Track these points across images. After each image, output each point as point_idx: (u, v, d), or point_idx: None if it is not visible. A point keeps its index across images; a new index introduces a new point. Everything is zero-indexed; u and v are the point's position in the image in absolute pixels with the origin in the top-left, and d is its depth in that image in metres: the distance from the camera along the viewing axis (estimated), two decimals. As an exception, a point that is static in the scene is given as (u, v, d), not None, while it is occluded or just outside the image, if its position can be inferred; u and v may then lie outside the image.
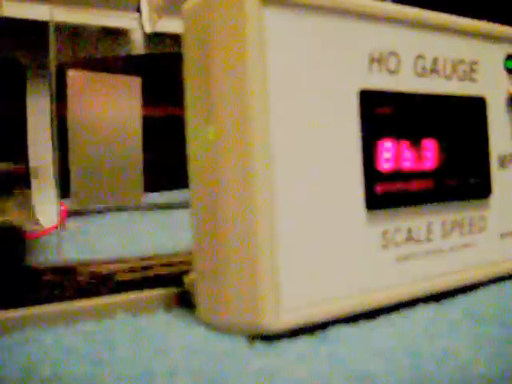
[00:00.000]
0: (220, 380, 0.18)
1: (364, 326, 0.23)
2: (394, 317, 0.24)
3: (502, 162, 0.30)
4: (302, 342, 0.22)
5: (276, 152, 0.22)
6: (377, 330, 0.23)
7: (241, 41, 0.22)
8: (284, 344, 0.21)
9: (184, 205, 0.29)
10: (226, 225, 0.22)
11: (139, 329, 0.23)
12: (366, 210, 0.25)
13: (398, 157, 0.26)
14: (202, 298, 0.24)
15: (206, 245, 0.23)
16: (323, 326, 0.23)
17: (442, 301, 0.26)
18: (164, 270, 0.29)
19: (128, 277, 0.29)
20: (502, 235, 0.30)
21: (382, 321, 0.24)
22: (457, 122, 0.28)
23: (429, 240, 0.27)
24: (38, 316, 0.23)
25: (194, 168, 0.24)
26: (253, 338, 0.22)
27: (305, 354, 0.21)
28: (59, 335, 0.22)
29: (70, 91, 0.48)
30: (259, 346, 0.21)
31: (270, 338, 0.22)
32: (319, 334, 0.22)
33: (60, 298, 0.25)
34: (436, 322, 0.24)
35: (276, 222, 0.22)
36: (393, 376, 0.19)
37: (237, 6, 0.22)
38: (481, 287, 0.28)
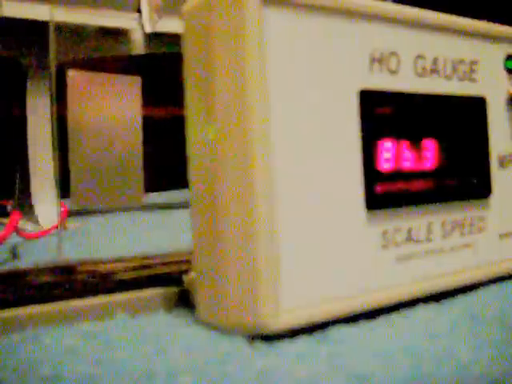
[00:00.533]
0: (220, 380, 0.18)
1: (364, 326, 0.23)
2: (394, 317, 0.24)
3: (502, 162, 0.30)
4: (302, 342, 0.22)
5: (276, 152, 0.22)
6: (377, 330, 0.23)
7: (241, 41, 0.22)
8: (284, 344, 0.21)
9: (184, 205, 0.29)
10: (225, 225, 0.22)
11: (138, 328, 0.23)
12: (366, 210, 0.25)
13: (398, 157, 0.26)
14: (201, 298, 0.24)
15: (205, 245, 0.23)
16: (323, 326, 0.23)
17: (442, 301, 0.26)
18: (164, 270, 0.29)
19: (128, 276, 0.29)
20: (502, 235, 0.30)
21: (381, 321, 0.24)
22: (457, 122, 0.28)
23: (429, 240, 0.27)
24: (37, 316, 0.23)
25: (193, 168, 0.24)
26: (253, 338, 0.22)
27: (305, 353, 0.21)
28: (59, 335, 0.22)
29: (69, 91, 0.48)
30: (259, 346, 0.21)
31: (269, 338, 0.22)
32: (319, 334, 0.22)
33: (60, 298, 0.25)
34: (436, 322, 0.24)
35: (276, 222, 0.22)
36: (392, 376, 0.19)
37: (237, 7, 0.22)
38: (481, 287, 0.28)
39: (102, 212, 0.59)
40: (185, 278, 0.26)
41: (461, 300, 0.26)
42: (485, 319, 0.24)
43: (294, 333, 0.22)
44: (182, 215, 0.31)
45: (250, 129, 0.22)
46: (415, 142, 0.26)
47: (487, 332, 0.22)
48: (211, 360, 0.20)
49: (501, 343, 0.21)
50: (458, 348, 0.21)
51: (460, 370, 0.19)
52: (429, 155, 0.27)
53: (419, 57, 0.27)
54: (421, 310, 0.25)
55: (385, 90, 0.26)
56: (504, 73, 0.31)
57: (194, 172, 0.24)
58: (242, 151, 0.22)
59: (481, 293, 0.28)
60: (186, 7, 0.24)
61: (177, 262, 0.29)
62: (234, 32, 0.22)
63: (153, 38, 0.56)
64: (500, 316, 0.24)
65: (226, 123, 0.22)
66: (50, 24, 0.40)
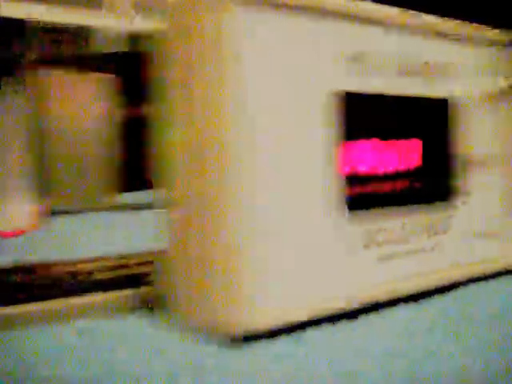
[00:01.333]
0: (199, 380, 0.18)
1: (344, 327, 0.23)
2: (374, 317, 0.24)
3: (473, 164, 0.30)
4: (280, 343, 0.22)
5: (256, 151, 0.22)
6: (357, 330, 0.23)
7: (217, 42, 0.22)
8: (262, 345, 0.21)
9: (151, 206, 0.28)
10: (207, 228, 0.22)
11: (112, 330, 0.23)
12: (343, 211, 0.25)
13: (372, 158, 0.26)
14: (179, 300, 0.24)
15: (181, 248, 0.23)
16: (302, 326, 0.23)
17: (421, 301, 0.26)
18: (139, 269, 0.29)
19: (104, 275, 0.28)
20: (473, 236, 0.30)
21: (362, 321, 0.24)
22: (432, 124, 0.28)
23: (404, 241, 0.27)
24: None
25: (173, 169, 0.24)
26: (231, 339, 0.22)
27: (282, 354, 0.20)
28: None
29: (44, 90, 0.47)
30: (237, 346, 0.21)
31: (248, 338, 0.22)
32: (298, 335, 0.22)
33: (37, 298, 0.24)
34: (414, 321, 0.24)
35: (257, 224, 0.22)
36: (372, 375, 0.19)
37: (214, 8, 0.22)
38: (458, 287, 0.28)
39: (76, 212, 0.59)
40: (158, 278, 0.25)
41: (437, 300, 0.27)
42: (460, 318, 0.24)
43: (272, 334, 0.22)
44: (150, 216, 0.31)
45: (225, 128, 0.21)
46: (391, 144, 0.27)
47: (462, 330, 0.23)
48: (187, 361, 0.20)
49: (476, 341, 0.22)
50: (436, 346, 0.21)
51: (439, 368, 0.19)
52: (405, 157, 0.27)
53: (395, 58, 0.27)
54: (400, 310, 0.25)
55: (360, 91, 0.26)
56: (479, 74, 0.31)
57: (173, 173, 0.24)
58: (219, 151, 0.22)
59: (457, 293, 0.28)
60: (169, 10, 0.24)
61: (151, 262, 0.29)
62: (211, 32, 0.22)
63: (129, 36, 0.56)
64: (475, 315, 0.25)
65: (205, 123, 0.22)
66: (26, 23, 0.39)
